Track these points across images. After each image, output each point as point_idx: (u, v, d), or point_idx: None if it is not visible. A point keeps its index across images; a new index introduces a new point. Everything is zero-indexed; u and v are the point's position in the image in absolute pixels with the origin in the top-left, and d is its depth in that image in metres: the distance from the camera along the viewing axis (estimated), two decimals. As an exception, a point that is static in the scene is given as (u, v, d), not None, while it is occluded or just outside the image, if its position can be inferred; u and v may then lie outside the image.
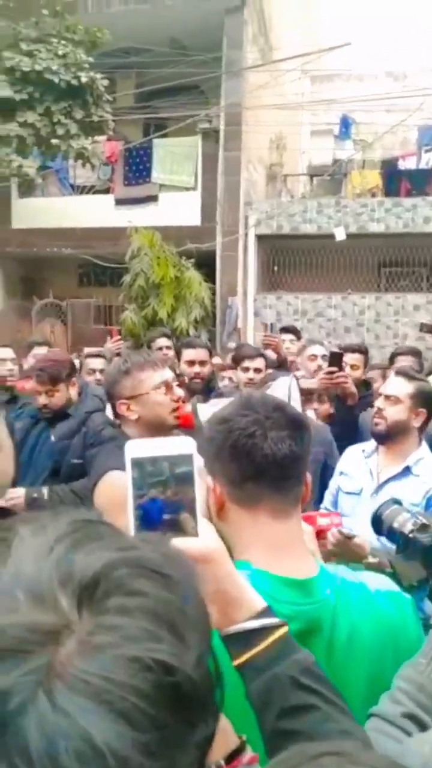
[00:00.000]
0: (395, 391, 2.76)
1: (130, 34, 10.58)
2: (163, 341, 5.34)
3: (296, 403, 1.89)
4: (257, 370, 4.12)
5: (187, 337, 10.22)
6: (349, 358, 4.33)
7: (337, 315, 11.16)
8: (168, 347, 5.20)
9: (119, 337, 5.52)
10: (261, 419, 1.10)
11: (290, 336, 5.53)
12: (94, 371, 4.60)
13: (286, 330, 5.72)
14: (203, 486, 0.87)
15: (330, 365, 3.63)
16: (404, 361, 4.14)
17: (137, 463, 0.78)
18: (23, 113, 8.21)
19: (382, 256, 11.70)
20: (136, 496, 0.78)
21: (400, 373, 2.88)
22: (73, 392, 3.59)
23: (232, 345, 10.91)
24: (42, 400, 3.49)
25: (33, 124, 8.26)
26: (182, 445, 0.81)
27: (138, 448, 0.80)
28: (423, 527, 1.54)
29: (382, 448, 2.85)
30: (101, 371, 4.56)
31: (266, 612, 0.84)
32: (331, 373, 3.57)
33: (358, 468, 2.90)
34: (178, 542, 0.76)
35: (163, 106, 11.70)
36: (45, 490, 3.20)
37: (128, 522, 0.77)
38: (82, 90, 8.50)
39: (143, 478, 0.78)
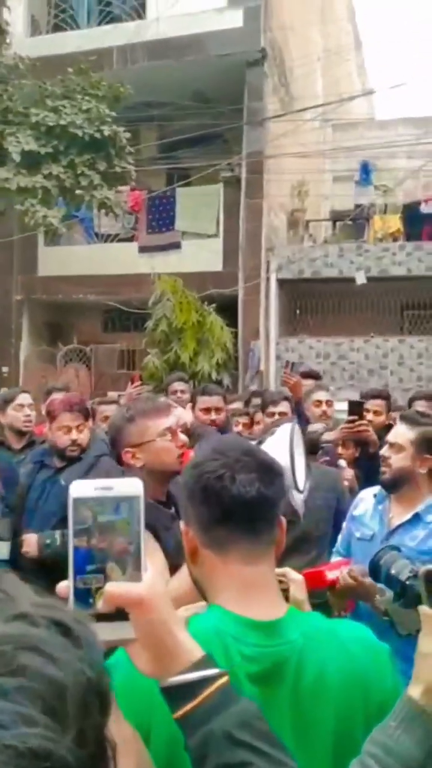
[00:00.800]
0: (398, 438, 2.70)
1: (153, 88, 10.93)
2: (178, 385, 5.38)
3: (300, 451, 1.86)
4: (282, 414, 4.05)
5: (207, 383, 10.29)
6: (371, 404, 4.35)
7: (359, 358, 11.13)
8: (182, 391, 5.22)
9: (140, 382, 5.51)
10: (230, 462, 1.11)
11: (310, 381, 5.32)
12: (107, 418, 4.57)
13: (306, 375, 5.63)
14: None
15: (350, 414, 3.60)
16: (421, 407, 4.07)
17: (79, 504, 0.77)
18: (48, 166, 8.49)
19: (405, 299, 11.70)
20: (75, 540, 0.77)
21: (403, 418, 2.81)
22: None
23: (254, 388, 10.95)
24: (73, 435, 3.52)
25: (57, 176, 8.52)
26: (130, 485, 0.79)
27: (81, 488, 0.78)
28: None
29: (393, 494, 2.79)
30: None
31: (204, 662, 0.81)
32: (352, 422, 3.56)
33: (370, 513, 2.85)
34: (109, 586, 0.76)
35: (186, 156, 11.99)
36: (57, 535, 3.19)
37: (69, 567, 0.76)
38: (105, 142, 8.77)
39: (80, 522, 0.77)
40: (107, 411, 4.57)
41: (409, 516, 2.68)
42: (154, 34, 11.31)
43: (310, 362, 11.31)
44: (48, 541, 3.19)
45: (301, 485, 1.95)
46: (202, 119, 11.29)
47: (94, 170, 8.66)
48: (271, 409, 4.05)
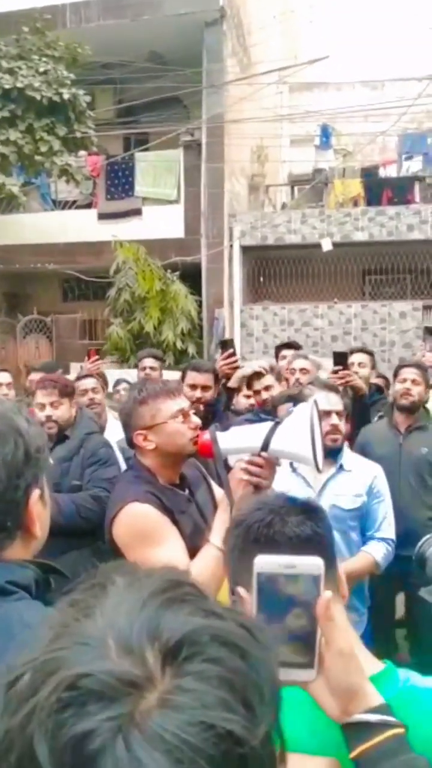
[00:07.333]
0: None
1: (108, 49, 10.58)
2: (149, 361, 5.29)
3: (318, 431, 1.83)
4: (268, 387, 3.97)
5: (172, 352, 10.20)
6: (356, 357, 4.87)
7: (323, 324, 11.19)
8: (153, 368, 5.16)
9: (97, 357, 5.38)
10: (275, 508, 1.06)
11: (291, 351, 5.25)
12: (85, 391, 4.47)
13: (287, 346, 5.57)
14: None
15: (335, 364, 3.99)
16: (408, 374, 4.16)
17: (264, 579, 0.82)
18: (5, 131, 8.16)
19: (367, 265, 11.76)
20: (259, 613, 0.82)
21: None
22: (73, 412, 3.63)
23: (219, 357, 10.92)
24: (47, 411, 3.47)
25: (15, 142, 8.21)
26: (311, 565, 0.83)
27: (268, 564, 0.83)
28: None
29: None
30: (93, 389, 4.56)
31: (385, 709, 0.89)
32: (336, 372, 3.92)
33: (289, 484, 2.93)
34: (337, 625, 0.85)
35: (145, 120, 11.70)
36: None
37: None
38: (65, 106, 8.47)
39: (268, 595, 0.82)
40: (84, 384, 4.51)
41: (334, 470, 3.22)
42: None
43: (275, 329, 11.35)
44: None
45: (320, 466, 1.95)
46: (159, 81, 11.00)
47: (53, 135, 8.37)
48: (257, 386, 3.94)
